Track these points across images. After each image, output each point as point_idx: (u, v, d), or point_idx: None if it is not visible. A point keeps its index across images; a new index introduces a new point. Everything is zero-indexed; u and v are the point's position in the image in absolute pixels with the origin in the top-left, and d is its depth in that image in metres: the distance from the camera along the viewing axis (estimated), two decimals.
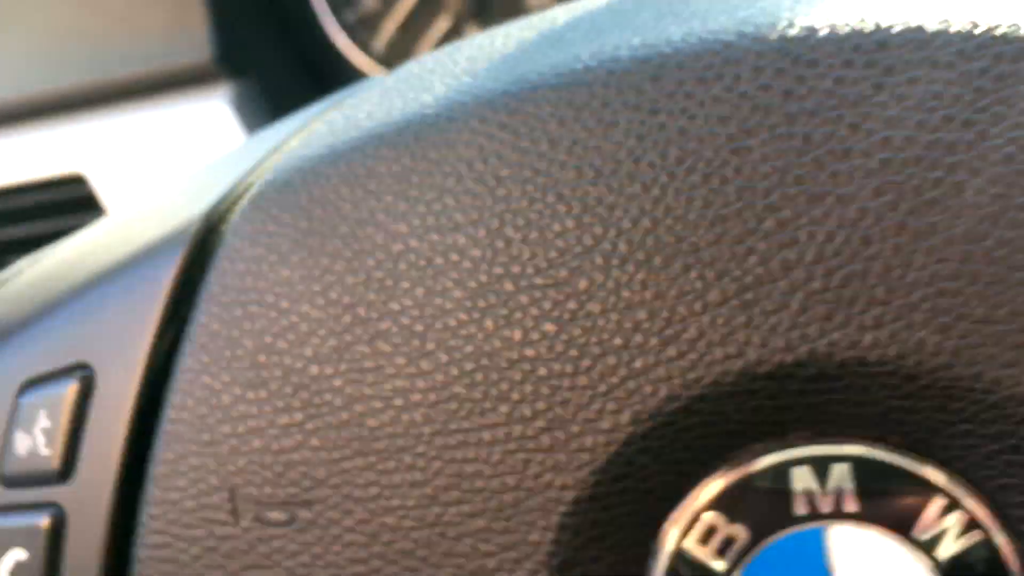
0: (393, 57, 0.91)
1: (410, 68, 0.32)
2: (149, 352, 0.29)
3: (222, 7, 0.76)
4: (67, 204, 0.77)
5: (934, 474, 0.25)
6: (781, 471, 0.26)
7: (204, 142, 0.76)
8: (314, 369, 0.27)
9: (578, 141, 0.26)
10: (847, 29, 0.26)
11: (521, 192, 0.26)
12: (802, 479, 0.26)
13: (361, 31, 0.91)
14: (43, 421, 0.30)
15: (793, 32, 0.26)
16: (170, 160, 0.76)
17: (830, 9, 0.26)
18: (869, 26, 0.26)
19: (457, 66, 0.30)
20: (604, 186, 0.26)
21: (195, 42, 0.75)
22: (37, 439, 0.30)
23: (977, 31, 0.25)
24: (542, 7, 0.89)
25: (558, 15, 0.31)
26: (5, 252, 0.77)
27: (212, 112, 0.76)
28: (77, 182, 0.76)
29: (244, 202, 0.29)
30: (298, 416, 0.27)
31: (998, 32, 0.25)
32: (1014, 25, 0.25)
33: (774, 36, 0.26)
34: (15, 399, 0.30)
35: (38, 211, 0.77)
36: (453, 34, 0.90)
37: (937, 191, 0.25)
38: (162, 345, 0.29)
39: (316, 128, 0.30)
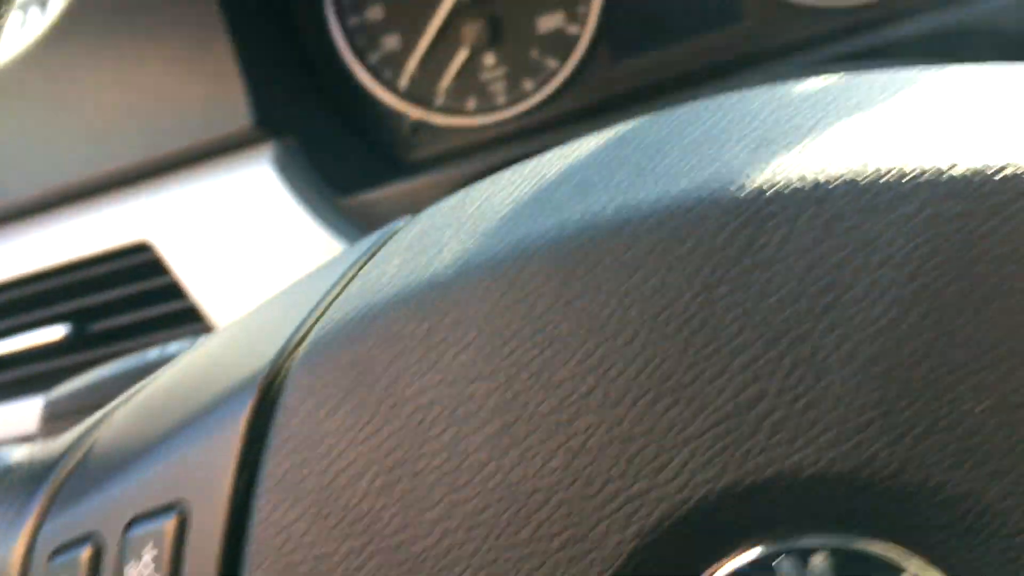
0: (417, 91, 0.94)
1: (428, 220, 0.35)
2: (231, 490, 0.33)
3: (257, 73, 0.80)
4: (137, 270, 0.82)
5: (897, 554, 0.29)
6: (766, 564, 0.29)
7: (251, 201, 0.80)
8: (367, 503, 0.32)
9: (572, 300, 0.30)
10: (793, 186, 0.29)
11: (527, 347, 0.30)
12: (785, 569, 0.29)
13: (385, 70, 0.94)
14: (151, 551, 0.35)
15: (746, 193, 0.29)
16: (224, 220, 0.80)
17: (779, 165, 0.30)
18: (812, 181, 0.29)
19: (465, 224, 0.34)
20: (596, 338, 0.29)
21: (236, 110, 0.79)
22: (145, 567, 0.35)
23: (906, 178, 0.28)
24: (551, 34, 0.91)
25: (549, 167, 0.34)
26: (85, 319, 0.83)
27: (256, 173, 0.80)
28: (144, 249, 0.81)
29: (296, 361, 0.33)
30: (358, 542, 0.32)
31: (924, 178, 0.28)
32: (937, 169, 0.28)
33: (729, 198, 0.29)
34: (123, 535, 0.35)
35: (111, 279, 0.83)
36: (471, 64, 0.93)
37: (878, 325, 0.28)
38: (241, 482, 0.34)
39: (352, 287, 0.34)
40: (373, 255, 0.36)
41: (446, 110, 0.95)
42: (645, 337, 0.29)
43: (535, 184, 0.34)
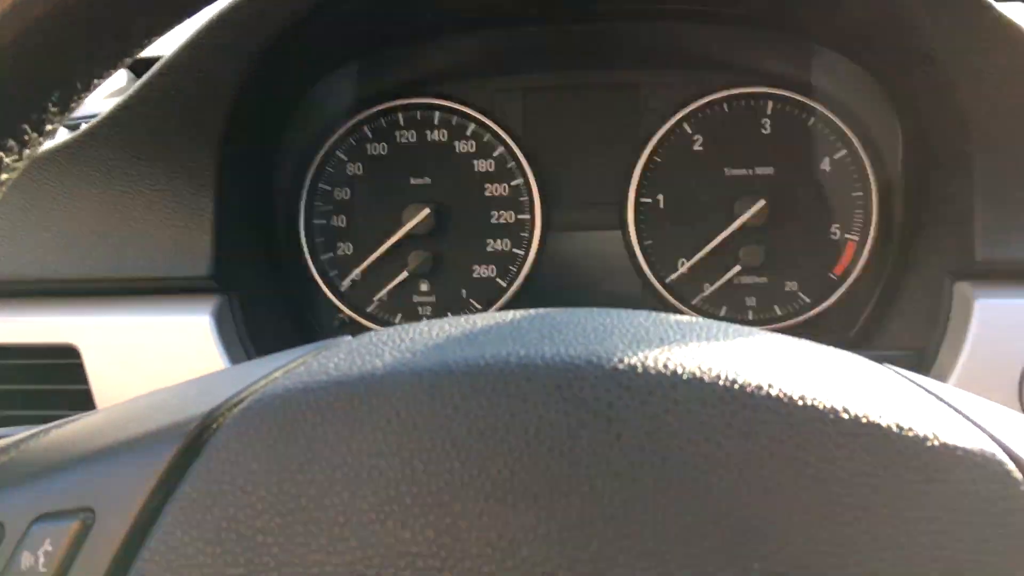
0: (354, 295, 1.03)
1: (370, 337, 0.42)
2: (141, 506, 0.37)
3: (225, 235, 0.87)
4: (57, 371, 0.84)
5: None
6: None
7: (184, 342, 0.85)
8: (259, 538, 0.36)
9: (469, 412, 0.37)
10: (649, 371, 0.37)
11: (429, 440, 0.36)
12: None
13: (332, 270, 1.03)
14: (47, 546, 0.37)
15: (617, 365, 0.37)
16: (153, 351, 0.85)
17: (642, 356, 0.38)
18: (664, 372, 0.37)
19: (402, 343, 0.41)
20: (483, 444, 0.36)
21: (197, 260, 0.86)
22: (39, 559, 0.37)
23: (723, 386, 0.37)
24: (482, 280, 1.02)
25: (478, 321, 0.42)
26: None
27: (196, 320, 0.85)
28: (70, 353, 0.84)
29: (237, 410, 0.38)
30: (241, 570, 0.36)
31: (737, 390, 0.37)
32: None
33: (603, 368, 0.37)
34: (28, 526, 0.38)
35: (31, 372, 0.85)
36: (407, 286, 1.02)
37: (699, 489, 0.35)
38: (153, 501, 0.37)
39: (297, 368, 0.40)
40: (318, 353, 0.42)
41: (374, 318, 1.03)
42: (521, 452, 0.36)
43: (462, 330, 0.41)
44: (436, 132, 1.02)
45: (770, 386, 0.37)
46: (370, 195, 1.03)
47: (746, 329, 0.43)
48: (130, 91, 0.87)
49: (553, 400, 0.37)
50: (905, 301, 0.96)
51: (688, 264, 1.01)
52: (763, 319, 1.01)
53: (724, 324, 0.43)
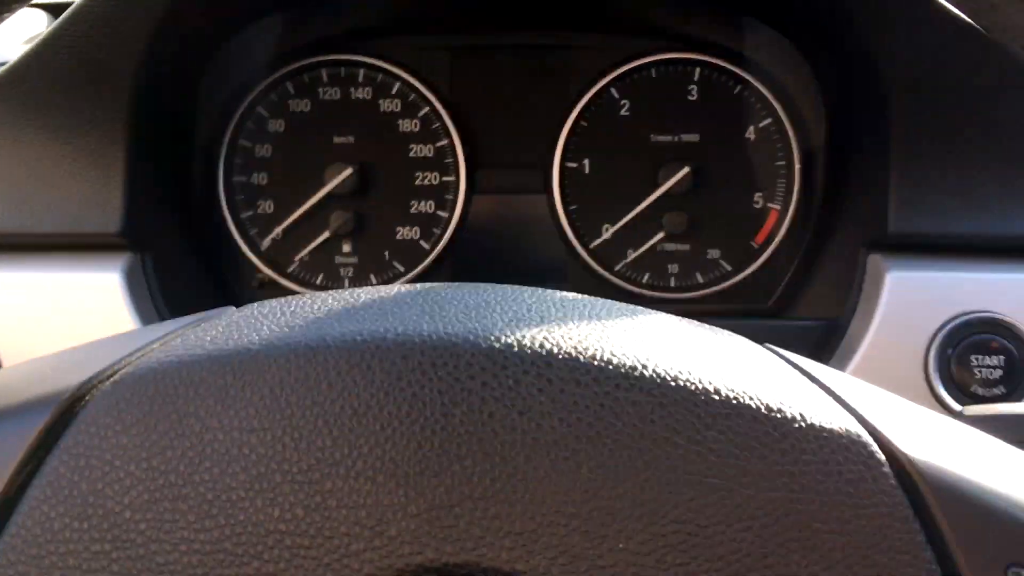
0: (275, 255, 1.02)
1: (252, 310, 0.42)
2: (6, 483, 0.37)
3: (137, 190, 0.85)
4: None
5: None
6: None
7: (92, 301, 0.83)
8: (127, 513, 0.36)
9: (344, 390, 0.37)
10: (521, 349, 0.37)
11: (301, 416, 0.36)
12: None
13: (253, 229, 1.02)
14: None
15: (491, 345, 0.37)
16: (61, 310, 0.83)
17: (516, 335, 0.38)
18: (536, 352, 0.37)
19: (282, 317, 0.40)
20: (355, 421, 0.36)
21: (107, 215, 0.84)
22: None
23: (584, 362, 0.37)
24: (405, 242, 1.02)
25: (362, 295, 0.42)
26: None
27: (105, 278, 0.84)
28: None
29: (109, 383, 0.38)
30: (107, 546, 0.35)
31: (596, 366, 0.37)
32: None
33: (478, 346, 0.37)
34: None
35: None
36: (329, 246, 1.01)
37: (549, 466, 0.36)
38: (19, 477, 0.37)
39: (174, 340, 0.40)
40: (197, 325, 0.42)
41: (295, 278, 1.02)
42: (393, 430, 0.36)
43: (345, 305, 0.41)
44: (361, 90, 1.01)
45: (644, 367, 0.38)
46: (292, 152, 1.01)
47: (630, 308, 0.43)
48: (39, 38, 0.84)
49: (428, 378, 0.37)
50: (823, 271, 0.98)
51: (612, 230, 1.02)
52: (685, 286, 1.02)
53: (609, 303, 0.44)
